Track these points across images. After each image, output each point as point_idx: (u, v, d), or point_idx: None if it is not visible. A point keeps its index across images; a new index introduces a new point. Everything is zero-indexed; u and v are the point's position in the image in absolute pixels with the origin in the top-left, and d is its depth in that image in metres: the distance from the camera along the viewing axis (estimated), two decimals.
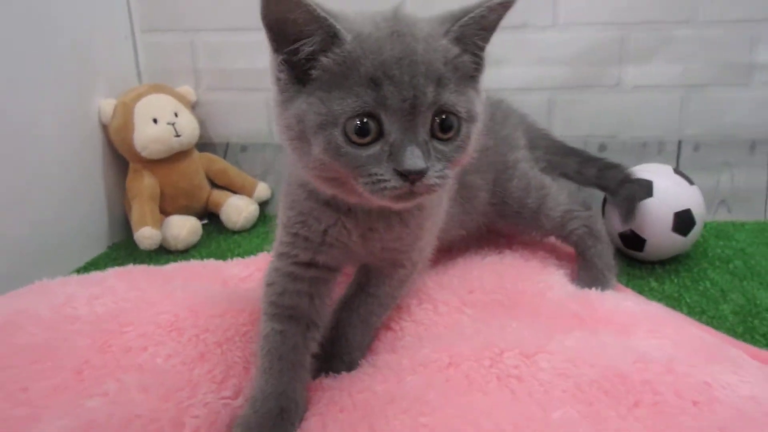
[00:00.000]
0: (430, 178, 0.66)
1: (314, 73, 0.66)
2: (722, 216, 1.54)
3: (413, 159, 0.64)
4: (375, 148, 0.65)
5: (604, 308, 0.97)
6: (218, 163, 1.61)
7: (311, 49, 0.65)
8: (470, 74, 0.71)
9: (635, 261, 1.27)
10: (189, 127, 1.49)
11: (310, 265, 0.84)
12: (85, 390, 0.77)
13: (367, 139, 0.65)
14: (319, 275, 0.85)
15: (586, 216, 1.15)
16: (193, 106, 1.58)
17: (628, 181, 1.22)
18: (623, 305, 0.98)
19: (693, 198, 1.22)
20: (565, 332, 0.86)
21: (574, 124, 1.52)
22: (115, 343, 0.85)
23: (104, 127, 1.46)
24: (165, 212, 1.49)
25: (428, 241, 0.92)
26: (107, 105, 1.44)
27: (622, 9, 1.44)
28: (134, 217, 1.42)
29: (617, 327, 0.92)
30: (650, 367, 0.77)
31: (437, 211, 0.92)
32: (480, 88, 0.74)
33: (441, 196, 0.92)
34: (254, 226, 1.57)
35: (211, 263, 1.24)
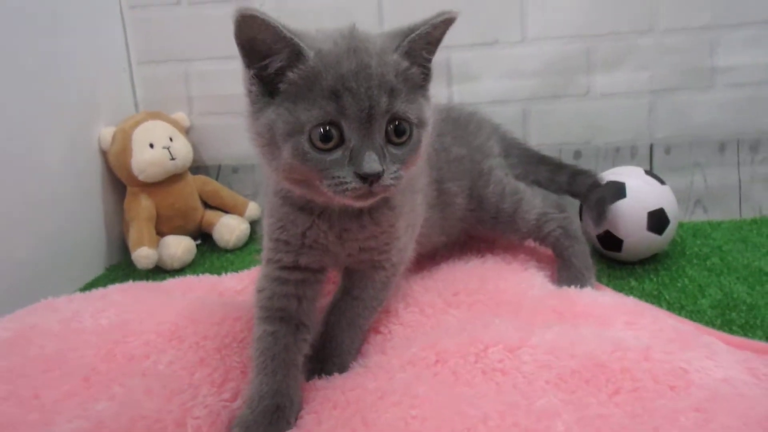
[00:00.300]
0: (386, 180, 0.72)
1: (282, 86, 0.72)
2: (699, 216, 1.53)
3: (371, 163, 0.70)
4: (337, 153, 0.71)
5: (583, 303, 0.99)
6: (211, 184, 1.63)
7: (279, 64, 0.72)
8: (419, 84, 0.78)
9: (615, 262, 1.27)
10: (183, 150, 1.53)
11: (294, 268, 0.88)
12: (93, 395, 0.80)
13: (330, 145, 0.71)
14: (303, 277, 0.89)
15: (561, 218, 1.17)
16: (187, 131, 1.62)
17: (598, 185, 1.24)
18: (600, 300, 1.00)
19: (665, 197, 1.23)
20: (546, 327, 0.88)
21: (549, 133, 1.54)
22: (120, 352, 0.88)
23: (104, 154, 1.50)
24: (161, 233, 1.51)
25: (406, 243, 0.95)
26: (107, 132, 1.48)
27: (587, 22, 1.48)
28: (132, 237, 1.44)
29: (595, 320, 0.93)
30: (628, 355, 0.80)
31: (410, 211, 0.95)
32: (429, 95, 0.80)
33: (413, 198, 0.96)
34: (246, 244, 1.58)
35: (207, 278, 1.26)
